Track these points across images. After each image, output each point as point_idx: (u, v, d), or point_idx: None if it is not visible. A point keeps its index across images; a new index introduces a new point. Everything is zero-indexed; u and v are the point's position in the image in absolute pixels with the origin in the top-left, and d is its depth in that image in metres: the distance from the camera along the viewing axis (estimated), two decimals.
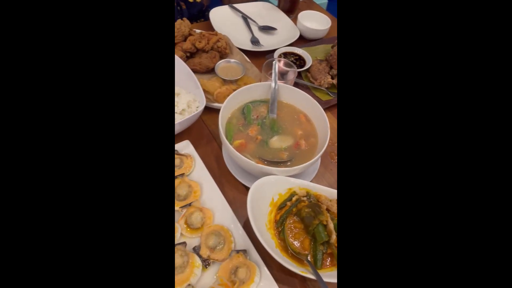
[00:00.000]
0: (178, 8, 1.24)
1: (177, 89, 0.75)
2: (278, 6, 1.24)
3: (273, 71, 0.76)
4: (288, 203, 0.61)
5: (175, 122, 0.67)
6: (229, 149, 0.62)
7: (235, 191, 0.68)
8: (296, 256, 0.55)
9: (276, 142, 0.70)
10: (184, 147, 0.70)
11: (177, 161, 0.67)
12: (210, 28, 1.09)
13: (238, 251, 0.55)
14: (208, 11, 1.14)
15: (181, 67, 0.79)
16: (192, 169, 0.67)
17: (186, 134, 0.76)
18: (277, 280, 0.53)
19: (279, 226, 0.59)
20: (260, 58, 1.02)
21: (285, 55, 1.00)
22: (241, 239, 0.58)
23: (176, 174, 0.65)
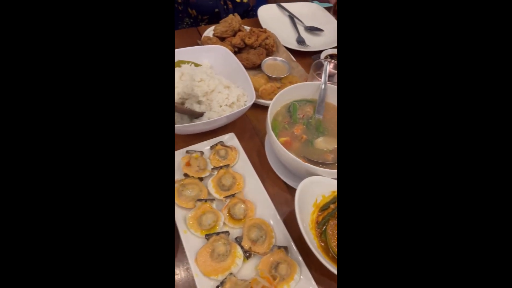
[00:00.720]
0: (225, 7, 1.27)
1: (227, 82, 0.77)
2: (335, 8, 1.24)
3: (323, 72, 0.75)
4: (332, 206, 0.60)
5: (225, 115, 0.68)
6: (275, 145, 0.63)
7: (275, 188, 0.69)
8: (337, 259, 0.54)
9: (322, 143, 0.69)
10: (229, 139, 0.72)
11: (222, 152, 0.68)
12: (257, 25, 1.10)
13: (279, 247, 0.55)
14: (253, 11, 1.16)
15: (232, 61, 0.80)
16: (236, 161, 0.68)
17: (231, 127, 0.77)
18: (315, 281, 0.53)
19: (320, 227, 0.58)
20: (305, 58, 1.02)
21: (332, 57, 0.99)
22: (281, 235, 0.58)
23: (221, 164, 0.66)
